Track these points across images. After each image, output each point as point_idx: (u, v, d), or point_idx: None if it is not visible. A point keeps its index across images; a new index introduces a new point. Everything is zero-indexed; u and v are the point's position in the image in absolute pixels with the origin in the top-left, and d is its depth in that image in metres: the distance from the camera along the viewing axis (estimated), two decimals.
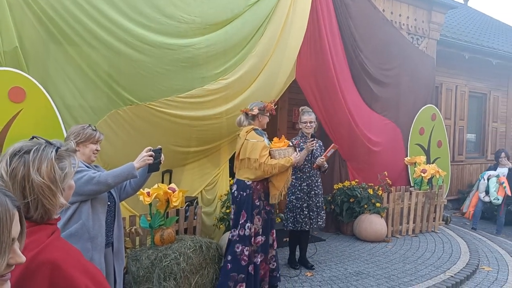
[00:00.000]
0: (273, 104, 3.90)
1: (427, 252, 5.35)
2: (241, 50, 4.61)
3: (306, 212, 4.46)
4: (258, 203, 3.72)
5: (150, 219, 3.73)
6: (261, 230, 3.76)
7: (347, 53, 5.87)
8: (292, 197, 4.48)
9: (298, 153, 3.78)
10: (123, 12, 3.90)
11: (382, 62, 6.29)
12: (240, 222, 3.68)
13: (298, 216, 4.45)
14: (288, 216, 4.49)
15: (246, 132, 3.69)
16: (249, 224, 3.67)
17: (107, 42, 3.83)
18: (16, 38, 3.54)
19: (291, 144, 3.86)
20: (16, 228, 0.90)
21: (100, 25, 3.79)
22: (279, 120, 7.01)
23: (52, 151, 1.17)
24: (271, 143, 3.81)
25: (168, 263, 3.43)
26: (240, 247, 3.66)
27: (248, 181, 3.69)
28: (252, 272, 3.69)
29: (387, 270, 4.62)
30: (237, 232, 3.70)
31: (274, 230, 3.99)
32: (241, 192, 3.71)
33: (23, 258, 0.91)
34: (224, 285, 3.61)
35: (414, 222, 6.27)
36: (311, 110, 4.63)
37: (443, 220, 6.82)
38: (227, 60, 4.49)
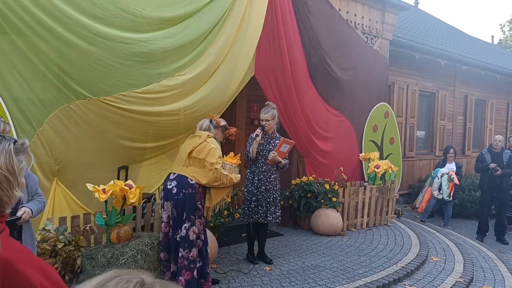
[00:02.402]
0: (234, 131, 4.09)
1: (380, 244, 5.57)
2: (198, 46, 4.56)
3: (253, 206, 4.52)
4: (200, 206, 3.64)
5: (106, 216, 3.62)
6: (201, 235, 3.67)
7: (305, 50, 5.96)
8: (244, 190, 4.65)
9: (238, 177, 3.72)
10: (76, 3, 3.73)
11: (339, 60, 6.45)
12: (180, 223, 3.56)
13: (246, 208, 4.57)
14: (244, 208, 4.61)
15: (208, 135, 3.74)
16: (188, 225, 3.53)
17: (57, 33, 3.65)
18: None
19: (239, 164, 3.95)
20: None
21: (50, 15, 3.61)
22: (238, 116, 7.01)
23: (10, 144, 1.15)
24: (225, 156, 3.91)
25: (126, 261, 3.35)
26: (181, 250, 3.52)
27: (192, 180, 3.58)
28: (189, 278, 3.49)
29: (343, 262, 4.76)
30: (179, 233, 3.56)
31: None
32: (184, 190, 3.56)
33: None
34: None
35: (368, 216, 6.50)
36: (270, 107, 4.65)
37: (395, 214, 7.12)
38: (184, 55, 4.43)
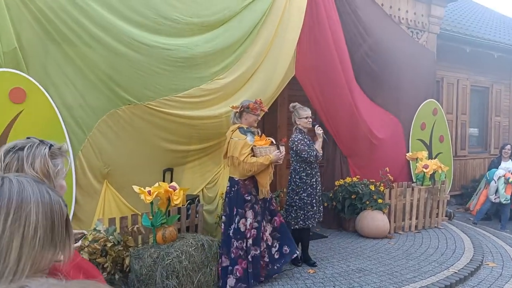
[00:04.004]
0: (257, 103, 3.96)
1: (430, 248, 5.34)
2: (237, 49, 4.61)
3: (316, 208, 4.51)
4: (248, 198, 3.83)
5: (152, 217, 3.74)
6: (255, 223, 3.85)
7: (349, 46, 5.85)
8: (303, 194, 4.44)
9: (280, 151, 3.81)
10: (120, 12, 3.90)
11: (383, 56, 6.26)
12: (233, 217, 3.84)
13: (309, 212, 4.45)
14: (298, 213, 4.44)
15: (232, 131, 3.86)
16: (238, 218, 3.79)
17: (104, 42, 3.83)
18: (15, 39, 3.55)
19: (273, 142, 3.92)
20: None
21: (98, 25, 3.79)
22: (279, 117, 6.98)
23: (45, 148, 1.21)
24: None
25: (171, 261, 3.44)
26: (234, 242, 3.79)
27: (236, 178, 3.84)
28: (245, 266, 3.78)
29: (390, 266, 4.61)
30: (232, 227, 3.82)
31: (277, 218, 4.13)
32: (232, 188, 3.87)
33: None
34: (224, 280, 3.76)
35: (416, 218, 6.25)
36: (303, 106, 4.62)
37: (446, 216, 6.80)
38: (224, 59, 4.50)
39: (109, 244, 3.54)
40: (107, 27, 3.83)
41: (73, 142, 3.86)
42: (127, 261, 3.62)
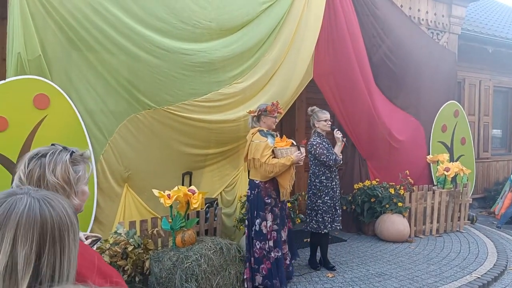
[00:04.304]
0: (274, 105, 3.96)
1: (452, 252, 5.23)
2: (256, 53, 4.63)
3: (340, 211, 4.51)
4: (268, 201, 3.85)
5: (171, 221, 3.78)
6: (275, 226, 3.89)
7: (367, 48, 5.80)
8: (326, 197, 4.39)
9: (301, 152, 3.80)
10: (140, 18, 3.97)
11: (403, 58, 6.18)
12: (254, 220, 3.88)
13: (334, 216, 4.44)
14: (324, 218, 4.38)
15: (252, 134, 3.88)
16: (259, 220, 3.83)
17: (125, 48, 3.90)
18: (39, 47, 3.65)
19: (294, 143, 3.90)
20: None
21: (118, 32, 3.87)
22: (297, 120, 6.98)
23: (67, 155, 1.24)
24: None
25: (190, 264, 3.47)
26: (257, 243, 3.84)
27: (257, 180, 3.86)
28: (269, 266, 3.83)
29: (411, 271, 4.54)
30: (253, 228, 3.87)
31: (286, 228, 4.14)
32: (252, 191, 3.89)
33: None
34: (253, 279, 3.85)
35: (438, 222, 6.14)
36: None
37: (468, 220, 6.65)
38: (242, 63, 4.52)
39: (129, 247, 3.60)
40: (128, 33, 3.90)
41: (94, 147, 3.94)
42: (147, 264, 3.67)
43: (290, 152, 3.76)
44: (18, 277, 0.77)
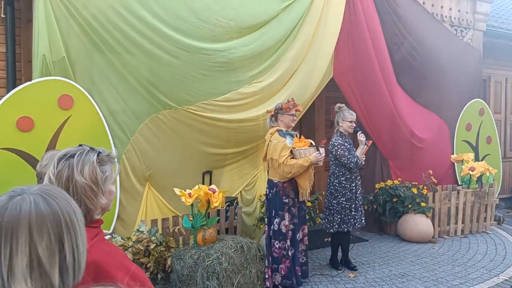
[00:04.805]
0: (290, 102, 3.93)
1: (478, 254, 5.09)
2: (275, 52, 4.62)
3: (354, 213, 4.40)
4: (286, 200, 3.84)
5: (192, 219, 3.81)
6: (291, 225, 3.87)
7: (389, 46, 5.72)
8: (342, 199, 4.36)
9: (320, 153, 3.75)
10: (161, 17, 4.01)
11: (426, 55, 6.06)
12: (272, 219, 3.88)
13: (345, 217, 4.37)
14: (335, 218, 4.38)
15: (271, 133, 3.87)
16: (278, 220, 3.84)
17: (146, 49, 3.95)
18: (63, 49, 3.74)
19: (313, 143, 3.87)
20: None
21: (139, 33, 3.93)
22: (317, 119, 6.93)
23: (94, 155, 1.26)
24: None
25: (211, 262, 3.49)
26: (276, 243, 3.84)
27: (275, 180, 3.86)
28: (289, 265, 3.83)
29: (435, 272, 4.44)
30: (272, 228, 3.87)
31: (306, 226, 4.12)
32: (271, 191, 3.90)
33: None
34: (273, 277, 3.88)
35: (463, 223, 5.99)
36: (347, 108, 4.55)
37: (495, 220, 6.47)
38: (261, 62, 4.53)
39: (152, 245, 3.64)
40: (148, 34, 3.95)
41: (117, 146, 4.01)
42: (169, 261, 3.71)
43: (308, 153, 3.73)
44: (47, 270, 0.79)
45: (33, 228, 0.80)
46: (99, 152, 1.28)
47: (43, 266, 0.79)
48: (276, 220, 3.85)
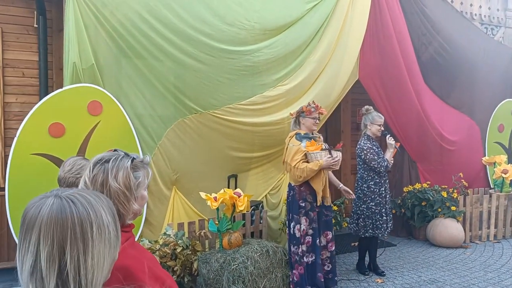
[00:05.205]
0: (310, 105, 3.88)
1: None
2: (300, 55, 4.59)
3: (385, 217, 4.32)
4: (303, 204, 3.78)
5: (218, 223, 3.83)
6: (310, 230, 3.78)
7: (416, 47, 5.61)
8: (371, 203, 4.28)
9: (332, 156, 3.64)
10: (186, 21, 4.05)
11: (455, 55, 5.91)
12: (289, 223, 3.87)
13: (377, 222, 4.28)
14: (366, 222, 4.30)
15: (290, 137, 3.86)
16: (293, 223, 3.80)
17: (172, 55, 4.01)
18: (92, 56, 3.84)
19: (324, 147, 3.74)
20: None
21: (165, 38, 3.98)
22: (342, 121, 6.85)
23: (128, 161, 1.27)
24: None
25: (237, 266, 3.50)
26: (291, 246, 3.83)
27: (292, 184, 3.85)
28: (302, 271, 3.73)
29: (466, 278, 4.31)
30: (289, 231, 3.85)
31: (330, 232, 3.94)
32: (289, 194, 3.89)
33: None
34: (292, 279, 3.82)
35: (495, 227, 5.80)
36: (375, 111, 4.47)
37: None
38: (287, 65, 4.51)
39: (178, 248, 3.68)
40: (174, 39, 4.01)
41: (144, 150, 4.08)
42: (195, 265, 3.74)
43: (319, 157, 3.67)
44: (43, 275, 0.78)
45: (42, 231, 0.79)
46: (133, 158, 1.30)
47: (42, 271, 0.78)
48: (292, 223, 3.81)
